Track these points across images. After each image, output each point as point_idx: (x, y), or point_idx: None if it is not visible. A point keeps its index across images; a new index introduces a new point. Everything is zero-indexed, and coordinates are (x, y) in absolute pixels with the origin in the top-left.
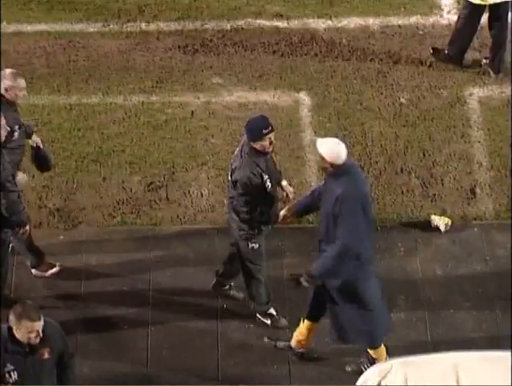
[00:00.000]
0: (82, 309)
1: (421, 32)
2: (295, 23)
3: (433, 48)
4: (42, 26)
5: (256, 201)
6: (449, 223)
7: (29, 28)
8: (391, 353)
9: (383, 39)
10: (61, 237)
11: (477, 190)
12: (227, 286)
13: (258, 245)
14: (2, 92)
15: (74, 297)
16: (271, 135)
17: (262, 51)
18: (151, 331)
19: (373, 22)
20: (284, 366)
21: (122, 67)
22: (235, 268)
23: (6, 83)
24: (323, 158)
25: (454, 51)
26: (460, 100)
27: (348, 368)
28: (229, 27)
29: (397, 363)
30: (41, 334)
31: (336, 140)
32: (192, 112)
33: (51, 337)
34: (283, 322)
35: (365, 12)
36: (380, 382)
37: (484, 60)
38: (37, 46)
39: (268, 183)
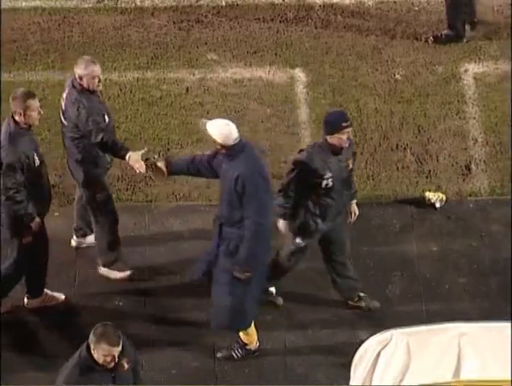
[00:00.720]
0: (77, 286)
1: (416, 8)
2: None
3: (434, 37)
4: (36, 3)
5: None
6: (444, 199)
7: (24, 4)
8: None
9: (378, 15)
10: (56, 214)
11: (472, 166)
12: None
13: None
14: (78, 80)
15: (68, 273)
16: (349, 130)
17: (257, 28)
18: (146, 307)
19: None
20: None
21: (117, 44)
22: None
23: (79, 71)
24: (214, 140)
25: (452, 32)
26: (456, 76)
27: (220, 354)
28: (223, 3)
29: (397, 333)
30: (117, 359)
31: (225, 120)
32: (187, 88)
33: (125, 347)
34: (280, 300)
35: None
36: (380, 352)
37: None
38: (32, 22)
39: (328, 182)
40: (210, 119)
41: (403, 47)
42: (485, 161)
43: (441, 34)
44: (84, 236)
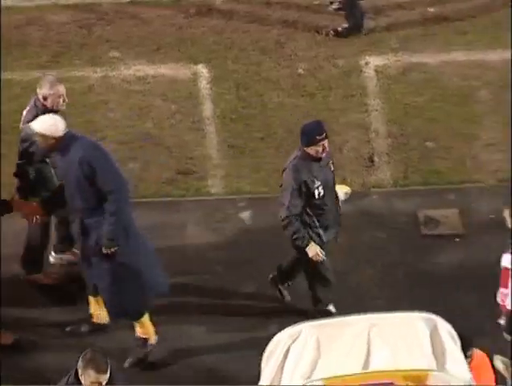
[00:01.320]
0: None
1: (317, 2)
2: None
3: (334, 30)
4: None
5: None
6: (349, 191)
7: None
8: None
9: (280, 10)
10: None
11: (375, 158)
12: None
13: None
14: (42, 101)
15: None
16: (325, 142)
17: (159, 24)
18: None
19: None
20: None
21: (18, 43)
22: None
23: (44, 91)
24: (44, 136)
25: (350, 23)
26: (357, 69)
27: (127, 362)
28: (125, 0)
29: (307, 326)
30: None
31: (48, 115)
32: (90, 86)
33: (113, 375)
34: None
35: None
36: (290, 346)
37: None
38: None
39: (320, 190)
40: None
41: (305, 41)
42: (387, 153)
43: (341, 28)
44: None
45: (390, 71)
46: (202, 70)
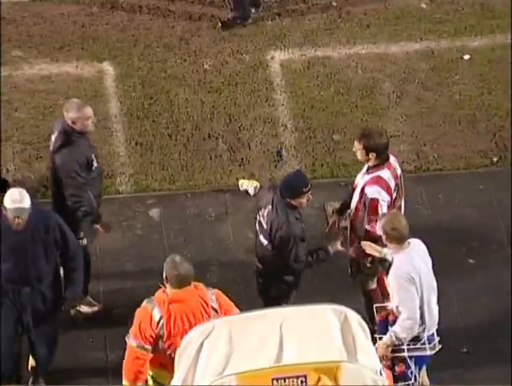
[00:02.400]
0: None
1: None
2: None
3: (221, 22)
4: None
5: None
6: (258, 186)
7: None
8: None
9: (183, 6)
10: None
11: (283, 152)
12: None
13: None
14: (70, 124)
15: None
16: (310, 193)
17: (62, 22)
18: None
19: None
20: None
21: None
22: None
23: (71, 115)
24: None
25: (237, 13)
26: (263, 64)
27: None
28: None
29: (219, 321)
30: None
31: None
32: None
33: None
34: None
35: None
36: (203, 342)
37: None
38: None
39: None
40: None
41: (210, 36)
42: (295, 146)
43: (228, 18)
44: None
45: (295, 65)
46: (107, 68)
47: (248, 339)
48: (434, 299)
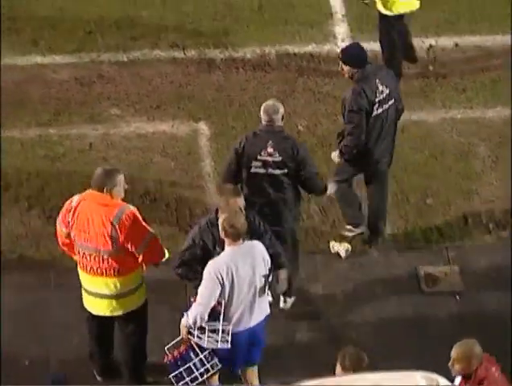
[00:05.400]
0: None
1: (316, 60)
2: (191, 53)
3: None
4: None
5: None
6: (349, 248)
7: None
8: None
9: (280, 68)
10: None
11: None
12: None
13: None
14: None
15: None
16: None
17: (159, 82)
18: None
19: (269, 50)
20: None
21: (17, 101)
22: None
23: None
24: None
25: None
26: None
27: None
28: (125, 59)
29: None
30: None
31: None
32: (91, 143)
33: None
34: None
35: (261, 41)
36: None
37: None
38: None
39: None
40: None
41: (304, 98)
42: (387, 210)
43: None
44: None
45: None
46: (202, 127)
47: None
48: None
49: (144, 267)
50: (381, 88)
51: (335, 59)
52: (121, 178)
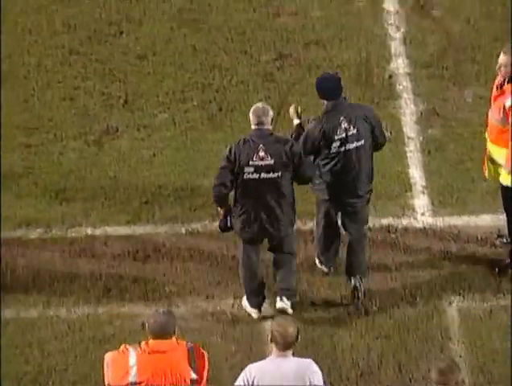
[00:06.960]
0: None
1: (393, 235)
2: None
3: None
4: None
5: None
6: None
7: None
8: None
9: None
10: None
11: None
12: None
13: None
14: None
15: None
16: None
17: (219, 256)
18: None
19: None
20: None
21: (66, 276)
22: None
23: None
24: None
25: None
26: (438, 309)
27: None
28: (183, 231)
29: None
30: None
31: None
32: (143, 323)
33: None
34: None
35: None
36: None
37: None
38: None
39: None
40: None
41: (379, 277)
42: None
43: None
44: None
45: (475, 312)
46: (268, 309)
47: None
48: None
49: None
50: (344, 125)
51: (414, 234)
52: None
